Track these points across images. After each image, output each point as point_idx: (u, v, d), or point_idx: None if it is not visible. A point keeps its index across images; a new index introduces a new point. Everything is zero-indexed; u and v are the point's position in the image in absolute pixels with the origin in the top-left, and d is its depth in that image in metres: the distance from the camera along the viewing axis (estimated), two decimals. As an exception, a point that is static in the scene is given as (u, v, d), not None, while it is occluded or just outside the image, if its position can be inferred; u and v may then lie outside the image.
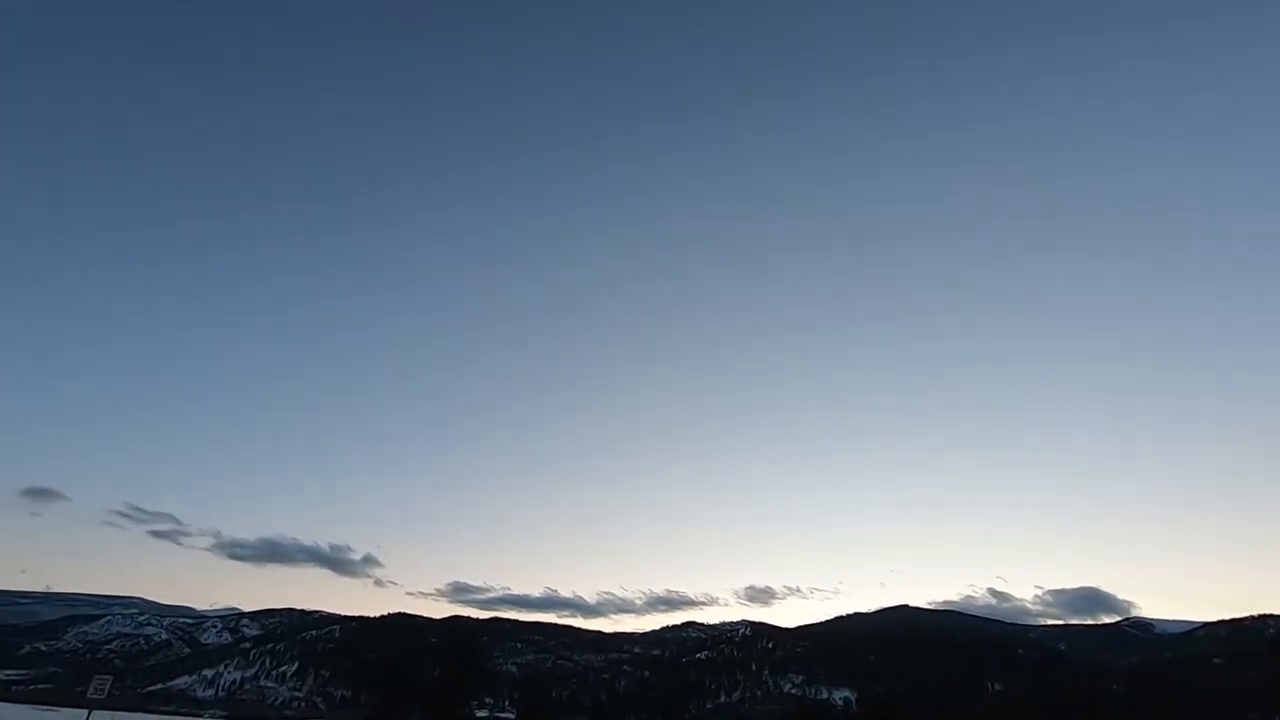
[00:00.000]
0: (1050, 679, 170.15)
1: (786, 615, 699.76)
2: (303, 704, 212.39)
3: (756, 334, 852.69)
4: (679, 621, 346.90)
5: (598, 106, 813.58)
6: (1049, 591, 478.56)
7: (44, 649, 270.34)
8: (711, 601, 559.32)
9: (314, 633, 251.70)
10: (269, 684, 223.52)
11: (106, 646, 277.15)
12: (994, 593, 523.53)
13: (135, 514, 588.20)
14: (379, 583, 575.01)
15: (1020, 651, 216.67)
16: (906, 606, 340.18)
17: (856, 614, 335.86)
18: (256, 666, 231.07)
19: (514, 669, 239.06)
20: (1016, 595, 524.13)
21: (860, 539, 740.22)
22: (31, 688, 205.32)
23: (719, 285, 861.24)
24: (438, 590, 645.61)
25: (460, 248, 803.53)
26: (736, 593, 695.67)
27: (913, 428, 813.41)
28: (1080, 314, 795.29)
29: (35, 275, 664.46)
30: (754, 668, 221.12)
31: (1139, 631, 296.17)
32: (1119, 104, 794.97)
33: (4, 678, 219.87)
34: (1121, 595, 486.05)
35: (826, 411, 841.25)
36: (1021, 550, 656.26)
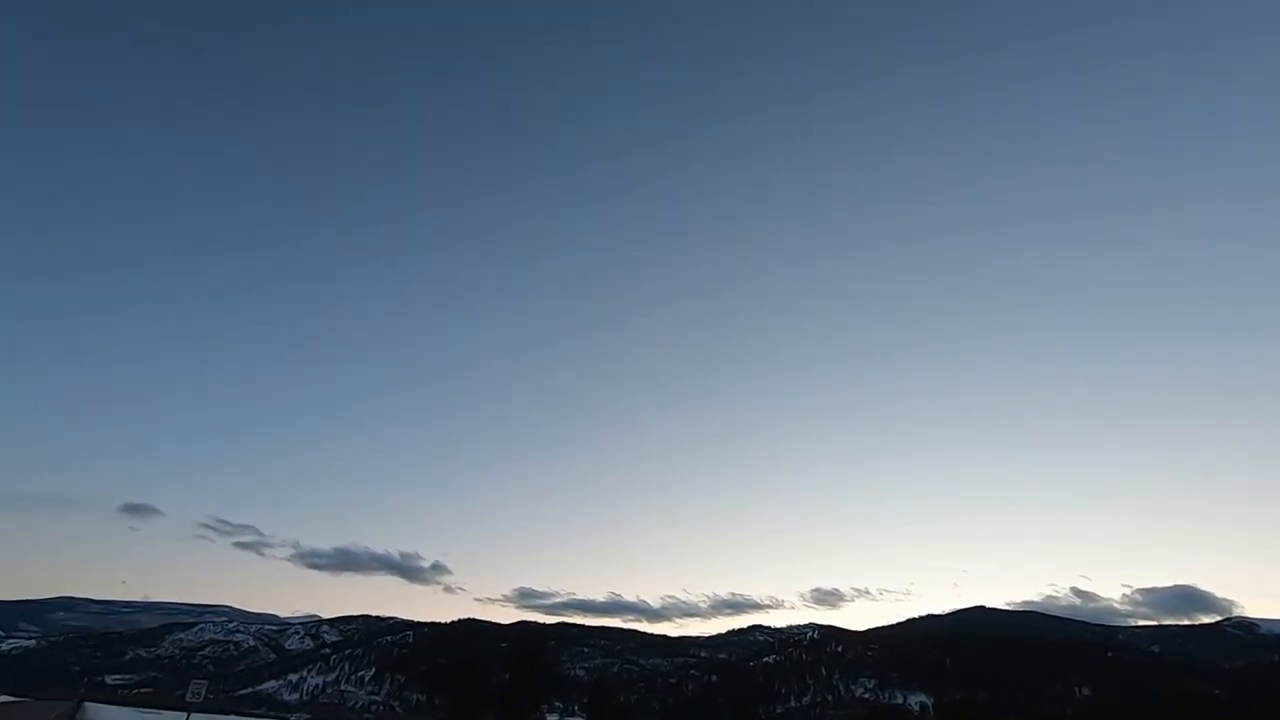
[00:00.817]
0: (1144, 682, 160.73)
1: (855, 618, 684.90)
2: (380, 707, 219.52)
3: (822, 332, 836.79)
4: (744, 625, 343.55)
5: (636, 115, 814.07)
6: (1139, 590, 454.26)
7: (145, 655, 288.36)
8: (777, 604, 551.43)
9: (389, 638, 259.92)
10: (349, 688, 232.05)
11: (200, 652, 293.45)
12: (1078, 592, 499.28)
13: (221, 526, 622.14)
14: (448, 589, 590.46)
15: (1109, 654, 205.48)
16: (982, 608, 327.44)
17: (929, 616, 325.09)
18: (337, 671, 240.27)
19: (581, 673, 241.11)
20: (1103, 595, 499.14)
21: (931, 538, 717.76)
22: (136, 691, 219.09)
23: (780, 286, 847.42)
24: (504, 596, 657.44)
25: (523, 260, 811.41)
26: (802, 595, 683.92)
27: (985, 422, 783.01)
28: (1177, 302, 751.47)
29: (134, 313, 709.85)
30: (823, 671, 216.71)
31: (1242, 632, 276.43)
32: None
33: (111, 681, 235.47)
34: (1220, 594, 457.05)
35: (894, 409, 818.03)
36: (1107, 547, 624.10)
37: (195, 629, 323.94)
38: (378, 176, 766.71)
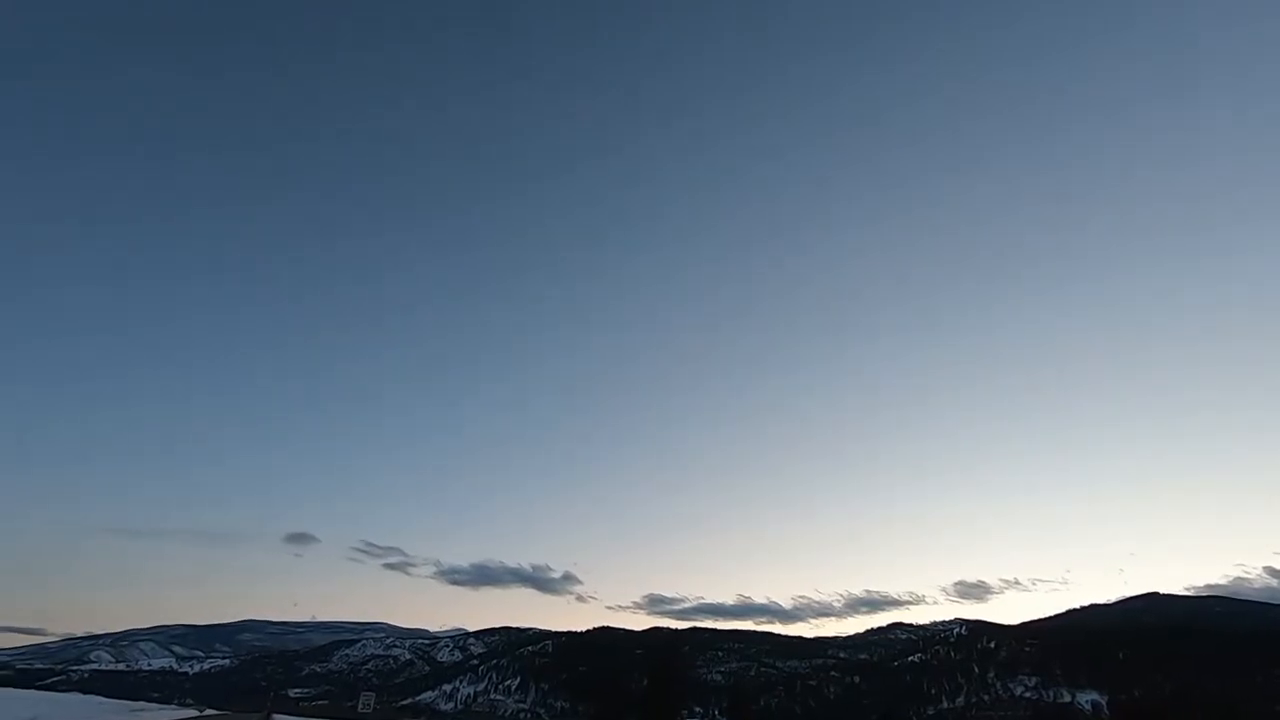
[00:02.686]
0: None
1: (1006, 611, 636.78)
2: (527, 714, 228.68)
3: (945, 305, 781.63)
4: (884, 623, 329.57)
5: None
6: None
7: (318, 670, 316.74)
8: (917, 600, 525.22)
9: (530, 648, 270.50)
10: (498, 696, 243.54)
11: (364, 666, 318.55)
12: (1274, 572, 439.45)
13: (371, 549, 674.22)
14: (580, 598, 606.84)
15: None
16: (1156, 594, 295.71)
17: (1093, 606, 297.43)
18: (485, 681, 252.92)
19: (718, 677, 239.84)
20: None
21: (1088, 521, 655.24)
22: (313, 703, 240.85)
23: (911, 271, 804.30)
24: (634, 603, 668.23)
25: (643, 263, 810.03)
26: (945, 589, 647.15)
27: (1148, 385, 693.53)
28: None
29: (288, 368, 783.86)
30: (976, 670, 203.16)
31: None
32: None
33: (293, 694, 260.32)
34: None
35: (1036, 377, 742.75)
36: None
37: (358, 645, 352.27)
38: (495, 189, 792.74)
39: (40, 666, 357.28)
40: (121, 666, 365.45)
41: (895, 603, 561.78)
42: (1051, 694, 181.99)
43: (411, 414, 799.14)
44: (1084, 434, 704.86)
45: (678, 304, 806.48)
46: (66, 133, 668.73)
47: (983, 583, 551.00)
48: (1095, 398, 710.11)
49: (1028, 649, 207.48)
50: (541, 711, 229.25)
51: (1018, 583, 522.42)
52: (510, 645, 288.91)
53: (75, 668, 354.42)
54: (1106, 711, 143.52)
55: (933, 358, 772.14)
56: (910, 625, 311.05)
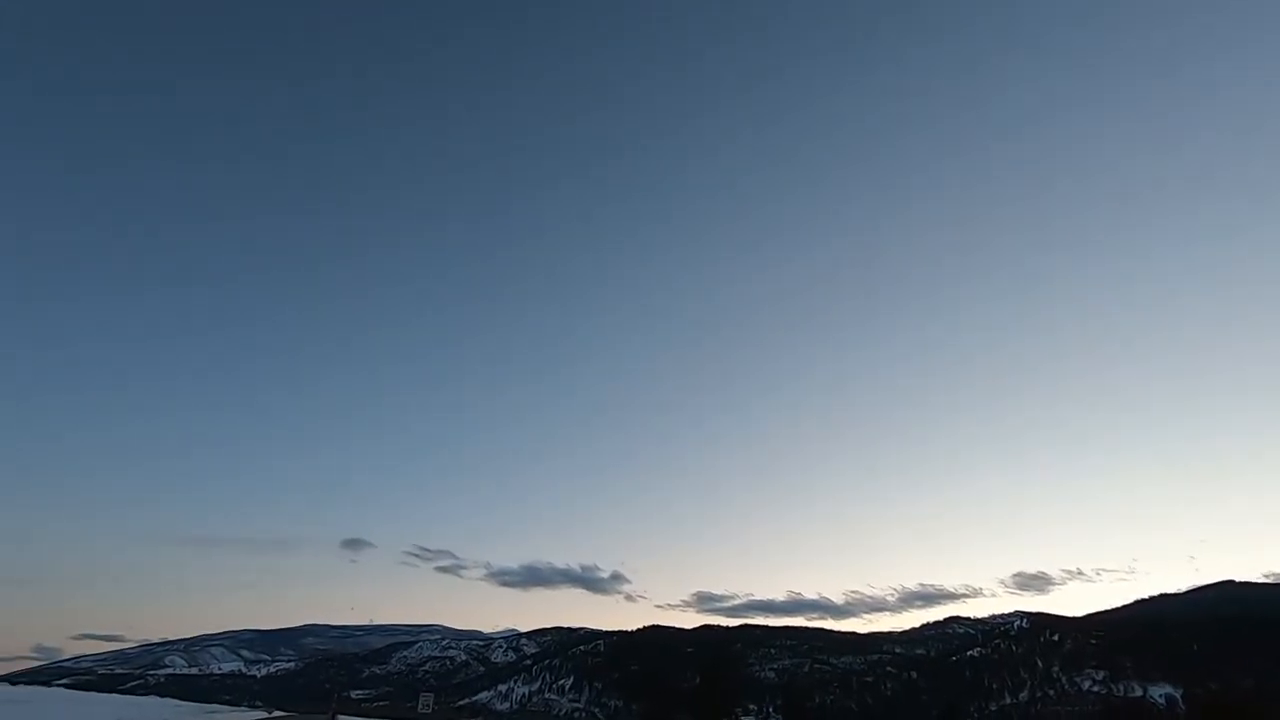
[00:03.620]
0: None
1: (1068, 603, 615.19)
2: (582, 713, 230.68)
3: (1001, 289, 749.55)
4: (940, 617, 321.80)
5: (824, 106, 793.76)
6: None
7: (378, 672, 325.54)
8: (974, 593, 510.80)
9: (581, 648, 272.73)
10: (552, 696, 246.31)
11: (422, 668, 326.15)
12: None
13: (422, 553, 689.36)
14: (629, 597, 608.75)
15: None
16: (1231, 582, 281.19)
17: (1162, 595, 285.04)
18: (539, 681, 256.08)
19: (771, 675, 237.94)
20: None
21: (1155, 506, 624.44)
22: (375, 704, 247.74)
23: (956, 263, 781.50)
24: (683, 601, 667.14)
25: (683, 258, 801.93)
26: (1003, 581, 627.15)
27: (1218, 363, 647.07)
28: None
29: (341, 378, 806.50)
30: (1039, 664, 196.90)
31: None
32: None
33: (355, 696, 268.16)
34: None
35: (1101, 355, 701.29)
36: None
37: (415, 647, 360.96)
38: (539, 183, 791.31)
39: (120, 671, 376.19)
40: (194, 670, 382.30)
41: (951, 596, 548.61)
42: (1122, 688, 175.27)
43: (458, 419, 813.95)
44: (1150, 414, 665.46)
45: (718, 299, 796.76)
46: (162, 136, 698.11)
47: (1043, 574, 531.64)
48: (1162, 375, 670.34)
49: (1094, 642, 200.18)
50: (596, 710, 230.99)
51: (1080, 573, 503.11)
52: (562, 645, 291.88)
53: (152, 672, 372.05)
54: (1182, 706, 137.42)
55: (988, 338, 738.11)
56: (968, 619, 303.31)
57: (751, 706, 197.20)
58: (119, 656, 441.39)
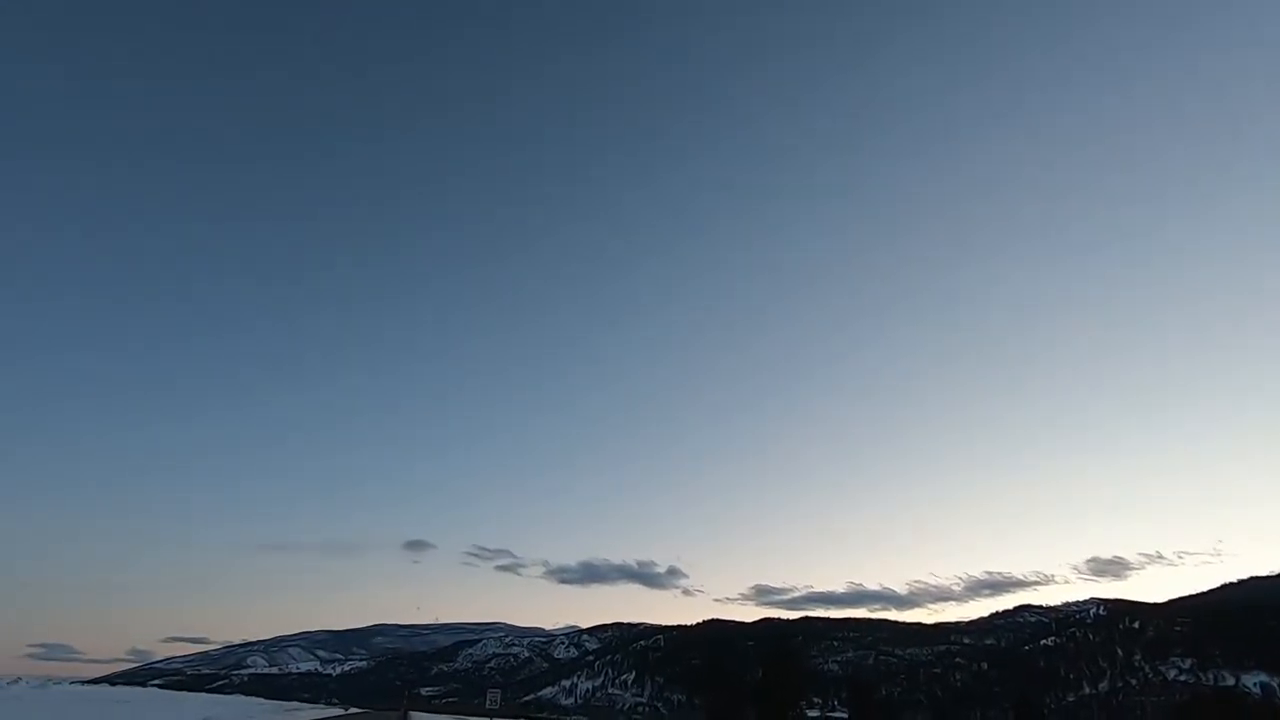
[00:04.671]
0: None
1: (1147, 588, 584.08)
2: (645, 708, 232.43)
3: (1080, 263, 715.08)
4: (1010, 606, 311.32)
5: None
6: None
7: (446, 669, 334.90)
8: (1046, 580, 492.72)
9: (642, 643, 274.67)
10: (615, 691, 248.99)
11: (488, 665, 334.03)
12: None
13: (481, 553, 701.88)
14: (686, 592, 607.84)
15: None
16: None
17: (1252, 579, 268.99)
18: (602, 676, 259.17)
19: (835, 667, 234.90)
20: None
21: (1243, 485, 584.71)
22: (444, 701, 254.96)
23: (1021, 249, 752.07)
24: (742, 595, 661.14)
25: (737, 246, 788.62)
26: (1076, 567, 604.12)
27: None
28: None
29: (402, 386, 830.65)
30: (1119, 652, 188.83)
31: None
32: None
33: (425, 693, 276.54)
34: None
35: (1178, 320, 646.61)
36: None
37: (480, 644, 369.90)
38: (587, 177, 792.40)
39: (206, 672, 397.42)
40: (274, 670, 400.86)
41: (1021, 584, 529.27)
42: (1211, 677, 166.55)
43: (512, 421, 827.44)
44: (1234, 382, 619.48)
45: (772, 286, 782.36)
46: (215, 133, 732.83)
47: (1119, 558, 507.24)
48: (1250, 341, 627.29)
49: (1178, 628, 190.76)
50: (659, 705, 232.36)
51: (1160, 557, 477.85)
52: (623, 641, 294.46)
53: (235, 672, 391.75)
54: None
55: (1056, 309, 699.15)
56: (1039, 607, 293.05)
57: (816, 700, 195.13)
58: (205, 658, 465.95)
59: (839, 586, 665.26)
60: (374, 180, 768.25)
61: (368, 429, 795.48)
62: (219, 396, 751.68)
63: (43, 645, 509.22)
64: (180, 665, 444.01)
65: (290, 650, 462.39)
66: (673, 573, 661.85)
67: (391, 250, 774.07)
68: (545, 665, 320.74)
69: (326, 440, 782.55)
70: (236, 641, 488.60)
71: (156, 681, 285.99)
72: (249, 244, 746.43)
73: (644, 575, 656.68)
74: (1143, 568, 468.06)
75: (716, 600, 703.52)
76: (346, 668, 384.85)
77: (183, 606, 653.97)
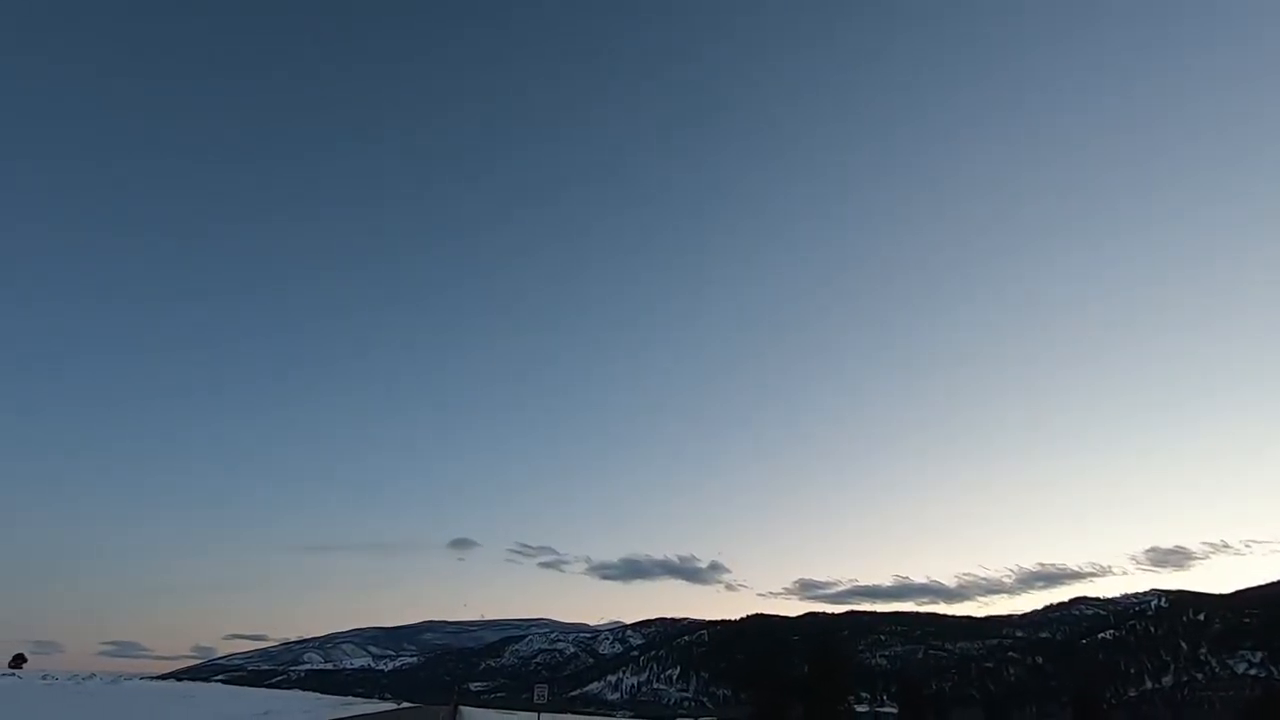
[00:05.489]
0: None
1: (1212, 579, 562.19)
2: (691, 703, 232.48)
3: (1138, 244, 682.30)
4: (1064, 598, 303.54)
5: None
6: None
7: (493, 665, 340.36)
8: (1102, 572, 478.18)
9: (686, 638, 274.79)
10: (660, 686, 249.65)
11: (534, 660, 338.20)
12: None
13: (525, 550, 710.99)
14: (729, 587, 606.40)
15: None
16: None
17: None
18: (647, 671, 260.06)
19: (882, 662, 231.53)
20: None
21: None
22: (492, 695, 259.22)
23: (1064, 238, 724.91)
24: (785, 589, 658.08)
25: (779, 239, 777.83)
26: (1134, 558, 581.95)
27: None
28: None
29: (452, 385, 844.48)
30: (1183, 645, 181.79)
31: None
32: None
33: (474, 688, 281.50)
34: None
35: (1246, 307, 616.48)
36: None
37: (525, 640, 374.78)
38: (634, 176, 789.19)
39: (266, 668, 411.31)
40: (329, 666, 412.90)
41: (1075, 575, 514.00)
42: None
43: (553, 418, 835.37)
44: None
45: (816, 281, 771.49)
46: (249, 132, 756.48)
47: (1181, 548, 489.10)
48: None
49: (1247, 620, 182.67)
50: (705, 700, 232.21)
51: (1226, 546, 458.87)
52: (667, 636, 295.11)
53: (293, 668, 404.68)
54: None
55: (1115, 293, 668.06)
56: (1096, 599, 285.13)
57: (864, 694, 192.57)
58: (264, 654, 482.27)
59: (884, 580, 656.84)
60: (412, 180, 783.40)
61: (412, 431, 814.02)
62: (276, 405, 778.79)
63: (114, 643, 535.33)
64: (241, 661, 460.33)
65: (344, 646, 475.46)
66: (715, 567, 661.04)
67: (431, 250, 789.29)
68: (590, 661, 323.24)
69: (374, 444, 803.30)
70: (293, 638, 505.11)
71: (220, 677, 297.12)
72: (302, 245, 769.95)
73: (686, 570, 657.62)
74: (1207, 557, 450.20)
75: (760, 595, 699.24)
76: (398, 664, 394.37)
77: (242, 605, 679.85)
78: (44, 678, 72.62)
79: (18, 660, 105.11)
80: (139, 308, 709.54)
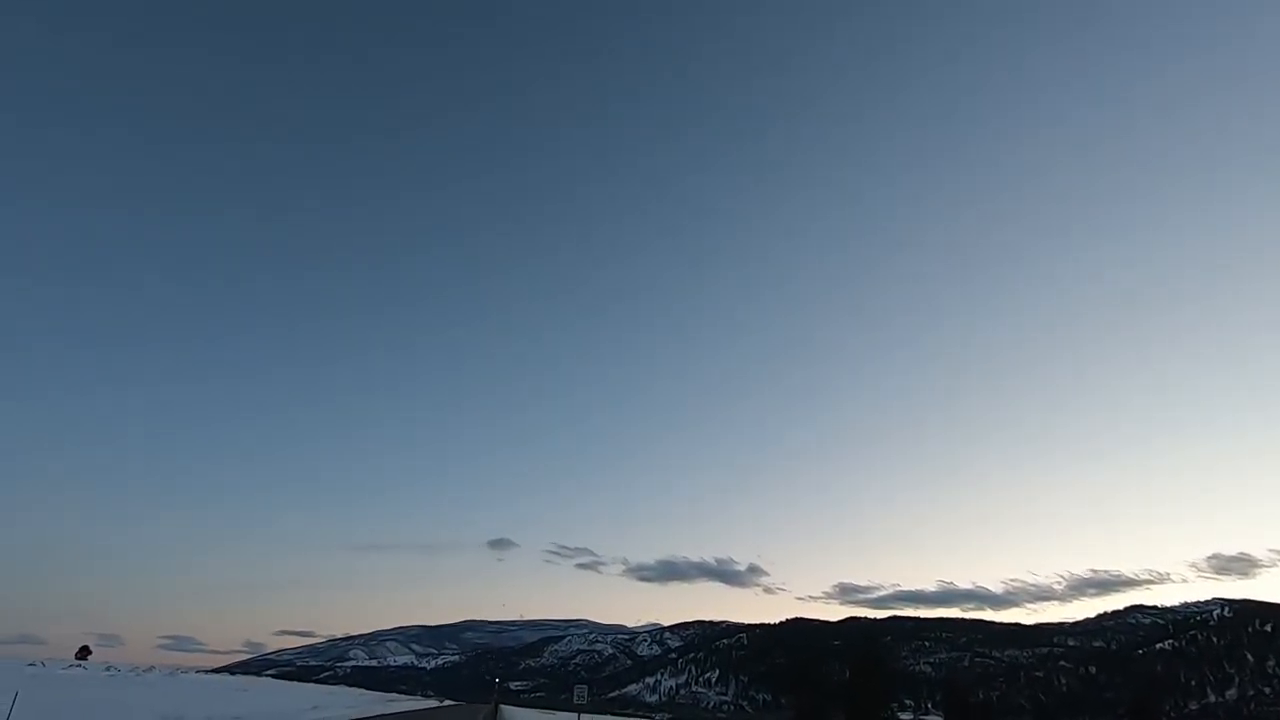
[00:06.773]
0: None
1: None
2: (730, 707, 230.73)
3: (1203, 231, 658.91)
4: (1119, 606, 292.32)
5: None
6: None
7: (532, 665, 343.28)
8: (1160, 579, 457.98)
9: (724, 641, 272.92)
10: (699, 689, 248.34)
11: (573, 661, 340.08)
12: None
13: (562, 551, 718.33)
14: (768, 590, 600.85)
15: None
16: None
17: None
18: (685, 674, 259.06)
19: (927, 669, 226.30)
20: None
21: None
22: (532, 695, 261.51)
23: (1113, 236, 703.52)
24: (825, 593, 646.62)
25: (818, 240, 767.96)
26: (1195, 565, 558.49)
27: None
28: None
29: (486, 390, 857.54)
30: (1249, 657, 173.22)
31: None
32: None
33: (514, 687, 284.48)
34: None
35: None
36: None
37: (564, 641, 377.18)
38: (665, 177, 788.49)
39: (313, 664, 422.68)
40: (374, 663, 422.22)
41: (1131, 582, 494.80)
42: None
43: (590, 420, 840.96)
44: None
45: (854, 281, 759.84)
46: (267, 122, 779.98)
47: (1246, 555, 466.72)
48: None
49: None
50: (744, 704, 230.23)
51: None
52: (705, 639, 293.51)
53: (339, 664, 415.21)
54: None
55: (1172, 290, 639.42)
56: (1153, 608, 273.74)
57: (908, 701, 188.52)
58: (312, 650, 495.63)
59: (928, 585, 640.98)
60: (443, 178, 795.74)
61: (452, 434, 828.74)
62: (330, 415, 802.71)
63: (171, 637, 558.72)
64: (290, 657, 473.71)
65: (388, 644, 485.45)
66: (753, 570, 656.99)
67: (462, 244, 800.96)
68: (629, 662, 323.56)
69: (413, 446, 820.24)
70: (339, 635, 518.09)
71: (270, 671, 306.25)
72: (349, 239, 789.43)
73: (724, 573, 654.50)
74: (1274, 565, 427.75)
75: (799, 599, 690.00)
76: (440, 662, 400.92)
77: (291, 603, 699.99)
78: (107, 669, 76.20)
79: (83, 652, 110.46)
80: (175, 337, 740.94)
